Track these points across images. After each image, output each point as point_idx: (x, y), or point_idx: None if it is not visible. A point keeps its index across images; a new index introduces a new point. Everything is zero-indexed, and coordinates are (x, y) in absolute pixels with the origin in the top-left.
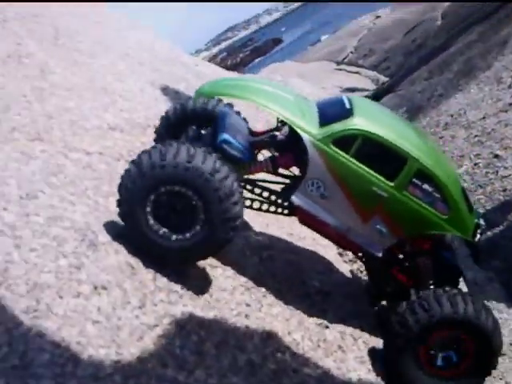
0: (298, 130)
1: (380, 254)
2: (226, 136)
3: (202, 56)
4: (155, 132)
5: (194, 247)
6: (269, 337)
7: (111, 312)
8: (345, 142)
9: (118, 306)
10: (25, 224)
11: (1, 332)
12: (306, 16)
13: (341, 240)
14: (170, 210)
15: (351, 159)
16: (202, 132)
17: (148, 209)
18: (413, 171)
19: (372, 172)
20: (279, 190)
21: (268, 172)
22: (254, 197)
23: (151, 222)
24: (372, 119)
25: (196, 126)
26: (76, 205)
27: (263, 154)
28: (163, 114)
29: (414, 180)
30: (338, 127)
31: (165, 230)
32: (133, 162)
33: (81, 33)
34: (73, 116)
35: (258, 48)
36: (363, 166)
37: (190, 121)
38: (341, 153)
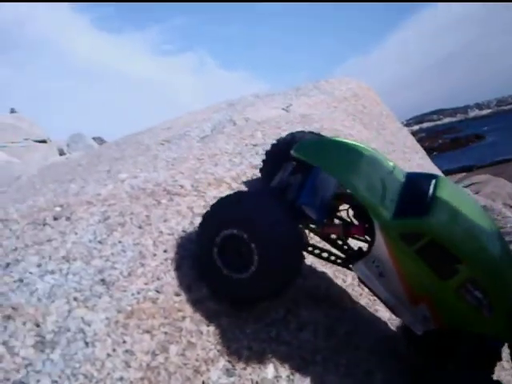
0: (371, 214)
1: (419, 333)
2: (306, 198)
3: None
4: (265, 154)
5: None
6: None
7: None
8: (412, 237)
9: None
10: None
11: None
12: None
13: (390, 309)
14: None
15: (413, 253)
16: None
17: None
18: (465, 277)
19: (429, 268)
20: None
21: (338, 236)
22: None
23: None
24: (446, 218)
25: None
26: None
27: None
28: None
29: (468, 285)
30: (409, 224)
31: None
32: None
33: None
34: None
35: (459, 139)
36: (422, 261)
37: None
38: (405, 246)
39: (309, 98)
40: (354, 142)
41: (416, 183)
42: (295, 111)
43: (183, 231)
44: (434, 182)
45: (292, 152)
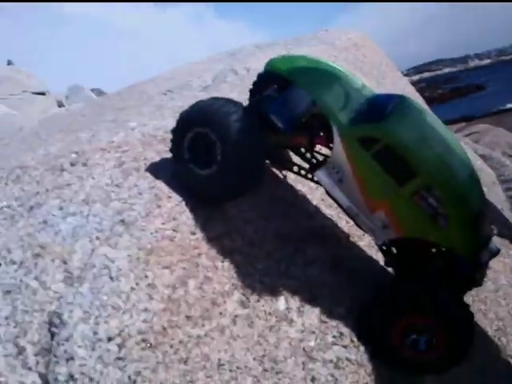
0: (331, 120)
1: (380, 243)
2: (275, 109)
3: None
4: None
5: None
6: None
7: None
8: (368, 142)
9: None
10: None
11: None
12: None
13: (353, 219)
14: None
15: (370, 157)
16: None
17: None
18: (421, 184)
19: (385, 174)
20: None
21: (303, 147)
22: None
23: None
24: (402, 126)
25: (279, 85)
26: None
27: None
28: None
29: (423, 192)
30: (366, 128)
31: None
32: None
33: None
34: None
35: (459, 88)
36: (378, 166)
37: (276, 80)
38: (361, 150)
39: (309, 47)
40: (325, 60)
41: (380, 99)
42: None
43: None
44: (398, 98)
45: (265, 65)
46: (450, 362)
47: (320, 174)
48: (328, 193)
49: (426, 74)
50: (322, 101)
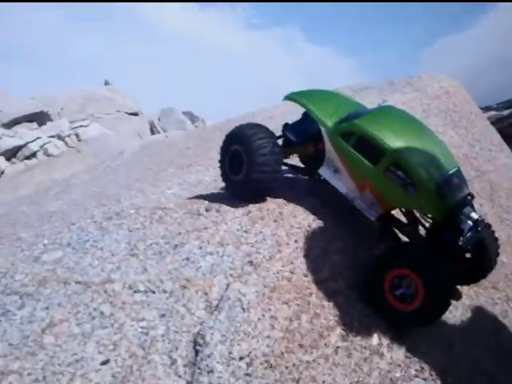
0: (320, 124)
1: (373, 219)
2: (290, 128)
3: (488, 114)
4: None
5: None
6: None
7: None
8: (347, 136)
9: None
10: None
11: None
12: None
13: (351, 203)
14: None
15: (350, 148)
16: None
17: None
18: (389, 161)
19: (363, 159)
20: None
21: (312, 153)
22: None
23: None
24: (371, 122)
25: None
26: None
27: None
28: None
29: (392, 168)
30: (345, 126)
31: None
32: None
33: None
34: None
35: None
36: (358, 154)
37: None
38: (344, 143)
39: (403, 94)
40: (331, 91)
41: (365, 108)
42: None
43: (308, 226)
44: (379, 107)
45: (285, 97)
46: (429, 315)
47: (321, 170)
48: (331, 185)
49: None
50: (314, 113)
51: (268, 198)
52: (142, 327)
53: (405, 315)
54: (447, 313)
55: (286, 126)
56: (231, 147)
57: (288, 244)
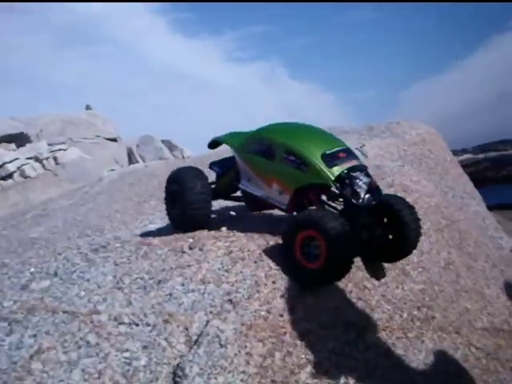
0: (231, 148)
1: (284, 207)
2: (215, 161)
3: (464, 157)
4: None
5: None
6: None
7: None
8: (248, 146)
9: None
10: None
11: None
12: None
13: (269, 204)
14: None
15: (252, 155)
16: None
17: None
18: (283, 151)
19: (264, 159)
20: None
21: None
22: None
23: None
24: (266, 129)
25: None
26: None
27: None
28: None
29: (285, 155)
30: (243, 139)
31: None
32: None
33: None
34: None
35: None
36: (259, 157)
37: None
38: (247, 154)
39: (381, 140)
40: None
41: None
42: (370, 159)
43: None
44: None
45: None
46: (331, 274)
47: (241, 185)
48: (249, 194)
49: (492, 154)
50: (227, 141)
51: (250, 239)
52: (125, 357)
53: (310, 273)
54: (411, 355)
55: (212, 163)
56: (171, 186)
57: (266, 284)
